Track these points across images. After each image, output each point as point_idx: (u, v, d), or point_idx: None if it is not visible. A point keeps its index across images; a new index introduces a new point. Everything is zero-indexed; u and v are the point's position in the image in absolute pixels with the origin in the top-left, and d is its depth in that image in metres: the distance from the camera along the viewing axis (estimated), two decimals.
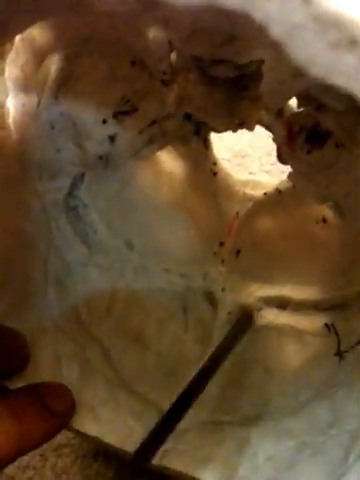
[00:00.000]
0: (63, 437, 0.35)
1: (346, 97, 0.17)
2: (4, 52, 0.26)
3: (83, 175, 0.33)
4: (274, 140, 0.28)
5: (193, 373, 0.35)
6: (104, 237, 0.36)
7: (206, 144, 0.35)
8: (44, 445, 0.34)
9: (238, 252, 0.37)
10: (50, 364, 0.32)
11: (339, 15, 0.11)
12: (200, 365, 0.35)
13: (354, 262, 0.34)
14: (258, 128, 0.29)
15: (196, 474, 0.30)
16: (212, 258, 0.37)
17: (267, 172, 0.38)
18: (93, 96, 0.30)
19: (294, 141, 0.27)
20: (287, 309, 0.36)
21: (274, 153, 0.29)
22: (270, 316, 0.36)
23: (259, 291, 0.36)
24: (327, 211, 0.34)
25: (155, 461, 0.30)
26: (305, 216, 0.35)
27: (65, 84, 0.29)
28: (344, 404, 0.29)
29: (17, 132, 0.30)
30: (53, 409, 0.27)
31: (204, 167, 0.35)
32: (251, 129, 0.28)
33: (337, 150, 0.26)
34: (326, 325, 0.33)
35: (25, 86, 0.28)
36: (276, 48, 0.19)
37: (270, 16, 0.11)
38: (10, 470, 0.34)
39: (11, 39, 0.25)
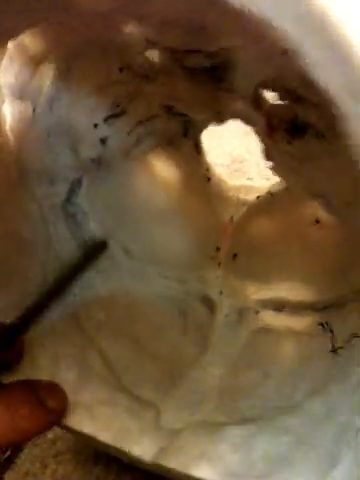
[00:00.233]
0: (63, 444, 0.35)
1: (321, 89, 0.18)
2: None
3: (80, 181, 0.34)
4: (255, 132, 0.29)
5: (191, 375, 0.35)
6: None
7: (198, 150, 0.36)
8: (44, 452, 0.34)
9: (234, 256, 0.37)
10: (48, 364, 0.32)
11: None
12: (197, 367, 0.36)
13: (349, 262, 0.34)
14: None
15: (190, 471, 0.29)
16: (209, 262, 0.38)
17: (265, 178, 0.39)
18: (86, 103, 0.31)
19: (274, 132, 0.27)
20: (284, 311, 0.36)
21: None
22: (267, 318, 0.36)
23: (256, 294, 0.37)
24: (321, 212, 0.35)
25: (149, 459, 0.30)
26: (299, 218, 0.35)
27: (60, 91, 0.31)
28: (338, 397, 0.29)
29: (14, 139, 0.31)
30: (46, 404, 0.27)
31: (198, 173, 0.36)
32: (223, 120, 0.29)
33: (318, 141, 0.27)
34: (321, 324, 0.33)
35: (20, 94, 0.30)
36: (244, 34, 0.20)
37: None
38: (10, 477, 0.34)
39: (3, 44, 0.26)
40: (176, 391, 0.34)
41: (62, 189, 0.34)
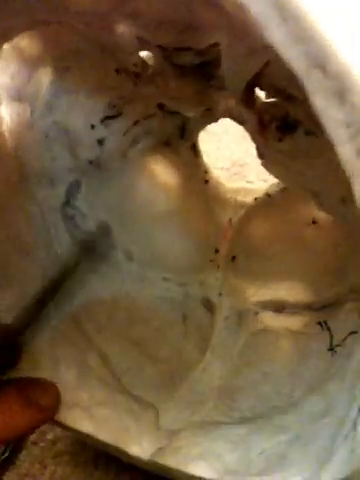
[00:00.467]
0: (62, 445, 0.35)
1: None
2: None
3: (79, 184, 0.35)
4: (247, 130, 0.29)
5: (191, 377, 0.35)
6: (103, 247, 0.37)
7: (196, 152, 0.36)
8: (43, 453, 0.34)
9: (233, 258, 0.37)
10: (48, 365, 0.33)
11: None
12: (197, 368, 0.36)
13: (346, 261, 0.34)
14: None
15: (189, 470, 0.29)
16: (208, 265, 0.38)
17: (265, 181, 0.39)
18: (83, 104, 0.32)
19: (265, 130, 0.28)
20: (283, 312, 0.36)
21: None
22: (267, 320, 0.36)
23: (255, 295, 0.37)
24: (317, 212, 0.35)
25: (148, 458, 0.30)
26: (296, 218, 0.36)
27: (58, 93, 0.31)
28: (336, 394, 0.29)
29: (13, 140, 0.32)
30: (37, 402, 0.27)
31: (196, 175, 0.37)
32: (215, 118, 0.30)
33: (308, 137, 0.28)
34: (319, 323, 0.33)
35: (18, 95, 0.30)
36: (230, 31, 0.21)
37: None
38: (9, 478, 0.34)
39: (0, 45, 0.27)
40: (176, 392, 0.34)
41: (62, 191, 0.34)
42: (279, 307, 0.36)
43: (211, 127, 0.34)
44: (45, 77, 0.31)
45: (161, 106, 0.31)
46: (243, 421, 0.32)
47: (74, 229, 0.36)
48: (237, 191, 0.38)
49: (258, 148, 0.30)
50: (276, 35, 0.13)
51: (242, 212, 0.37)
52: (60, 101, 0.32)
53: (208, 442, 0.31)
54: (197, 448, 0.31)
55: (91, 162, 0.32)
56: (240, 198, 0.37)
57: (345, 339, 0.31)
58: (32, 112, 0.31)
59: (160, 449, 0.31)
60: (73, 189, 0.35)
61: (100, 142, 0.32)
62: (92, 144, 0.32)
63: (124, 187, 0.37)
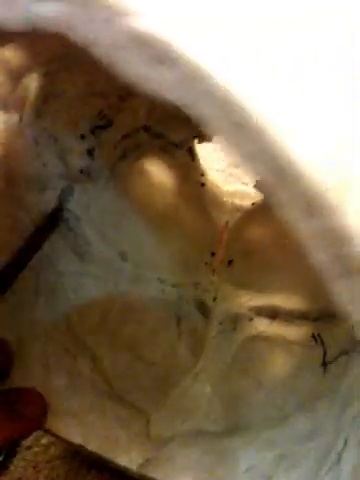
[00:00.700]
0: (56, 449, 0.36)
1: None
2: None
3: (72, 188, 0.34)
4: None
5: (184, 382, 0.35)
6: (97, 248, 0.37)
7: (192, 155, 0.35)
8: (38, 457, 0.35)
9: (230, 262, 0.37)
10: (39, 372, 0.33)
11: (149, 34, 0.11)
12: (190, 374, 0.36)
13: None
14: None
15: None
16: (204, 268, 0.37)
17: None
18: (72, 112, 0.30)
19: None
20: (277, 319, 0.35)
21: None
22: (261, 326, 0.36)
23: (250, 301, 0.36)
24: None
25: (135, 469, 0.31)
26: None
27: (46, 101, 0.30)
28: (324, 417, 0.29)
29: (2, 148, 0.31)
30: (22, 413, 0.28)
31: (193, 178, 0.36)
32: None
33: None
34: (314, 336, 0.33)
35: (4, 104, 0.29)
36: None
37: (88, 38, 0.12)
38: None
39: None
40: (168, 398, 0.35)
41: (53, 196, 0.33)
42: (273, 314, 0.36)
43: None
44: (32, 83, 0.30)
45: (147, 128, 0.29)
46: (232, 432, 0.32)
47: (67, 232, 0.36)
48: (234, 194, 0.37)
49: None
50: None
51: (238, 215, 0.36)
52: (48, 107, 0.30)
53: (196, 455, 0.31)
54: (185, 460, 0.31)
55: (82, 171, 0.31)
56: (237, 201, 0.36)
57: (338, 357, 0.31)
58: (20, 119, 0.30)
59: (148, 460, 0.31)
60: (66, 192, 0.34)
61: (90, 152, 0.31)
62: (82, 154, 0.31)
63: (118, 189, 0.36)
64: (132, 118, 0.29)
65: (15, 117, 0.30)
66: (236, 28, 0.13)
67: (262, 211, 0.36)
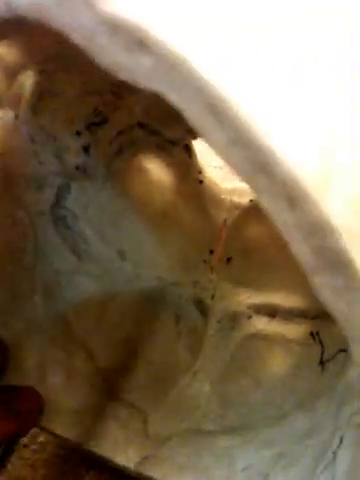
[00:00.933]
0: (54, 448, 0.36)
1: None
2: None
3: (69, 186, 0.34)
4: None
5: (182, 381, 0.35)
6: (95, 246, 0.36)
7: (190, 153, 0.35)
8: (35, 456, 0.35)
9: (228, 260, 0.36)
10: (35, 369, 0.33)
11: (125, 19, 0.11)
12: (189, 373, 0.35)
13: None
14: None
15: None
16: (202, 266, 0.37)
17: None
18: (68, 109, 0.30)
19: None
20: (276, 317, 0.35)
21: None
22: (260, 324, 0.35)
23: (249, 299, 0.36)
24: None
25: (133, 468, 0.31)
26: None
27: (42, 98, 0.30)
28: (322, 415, 0.28)
29: None
30: (18, 410, 0.27)
31: (190, 176, 0.36)
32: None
33: None
34: (312, 334, 0.33)
35: (0, 101, 0.29)
36: None
37: (66, 24, 0.12)
38: None
39: None
40: (166, 398, 0.34)
41: (50, 195, 0.33)
42: (273, 312, 0.35)
43: None
44: (28, 80, 0.30)
45: (142, 125, 0.29)
46: (231, 431, 0.32)
47: (65, 230, 0.35)
48: (232, 191, 0.36)
49: None
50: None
51: (237, 213, 0.36)
52: (44, 104, 0.30)
53: (193, 453, 0.31)
54: (182, 459, 0.31)
55: (77, 168, 0.31)
56: (235, 199, 0.36)
57: (335, 355, 0.30)
58: (16, 116, 0.30)
59: (145, 459, 0.31)
60: (63, 190, 0.34)
61: (86, 149, 0.30)
62: (77, 150, 0.30)
63: (116, 187, 0.36)
64: (127, 115, 0.29)
65: (11, 115, 0.30)
66: (234, 29, 0.13)
67: (260, 209, 0.35)
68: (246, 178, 0.12)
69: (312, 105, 0.14)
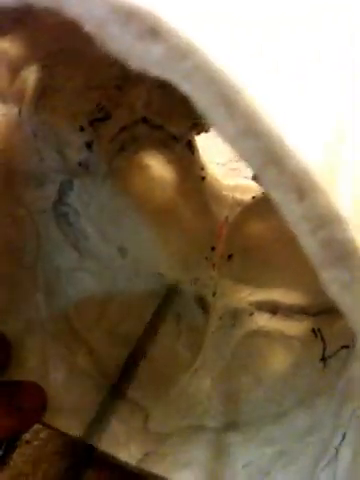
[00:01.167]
0: (56, 444, 0.36)
1: None
2: None
3: (71, 182, 0.34)
4: None
5: (183, 379, 0.35)
6: (96, 243, 0.36)
7: (192, 149, 0.35)
8: (37, 452, 0.35)
9: (230, 256, 0.36)
10: (36, 366, 0.33)
11: (137, 7, 0.11)
12: (190, 370, 0.35)
13: None
14: None
15: (175, 478, 0.30)
16: (204, 263, 0.37)
17: None
18: (71, 104, 0.30)
19: None
20: (277, 314, 0.35)
21: None
22: (261, 321, 0.35)
23: (250, 296, 0.36)
24: None
25: (134, 464, 0.30)
26: None
27: (45, 93, 0.30)
28: (323, 413, 0.28)
29: (0, 141, 0.31)
30: (21, 406, 0.27)
31: (192, 172, 0.36)
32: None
33: None
34: (313, 330, 0.33)
35: (2, 97, 0.29)
36: None
37: (77, 12, 0.12)
38: (2, 477, 0.34)
39: None
40: (167, 395, 0.34)
41: (51, 192, 0.33)
42: (274, 309, 0.35)
43: None
44: (31, 75, 0.30)
45: (146, 120, 0.29)
46: (232, 428, 0.32)
47: (67, 227, 0.35)
48: (234, 188, 0.36)
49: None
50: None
51: (239, 210, 0.36)
52: (47, 100, 0.30)
53: (195, 450, 0.31)
54: (183, 456, 0.31)
55: (80, 164, 0.31)
56: (237, 195, 0.36)
57: (337, 352, 0.30)
58: (19, 111, 0.30)
59: (147, 455, 0.31)
60: (65, 186, 0.34)
61: (88, 145, 0.30)
62: (80, 147, 0.30)
63: (118, 183, 0.36)
64: (130, 111, 0.29)
65: (14, 110, 0.30)
66: (239, 27, 0.13)
67: (262, 206, 0.35)
68: (256, 169, 0.12)
69: (318, 100, 0.14)
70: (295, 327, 0.34)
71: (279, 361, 0.34)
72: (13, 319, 0.33)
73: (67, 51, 0.28)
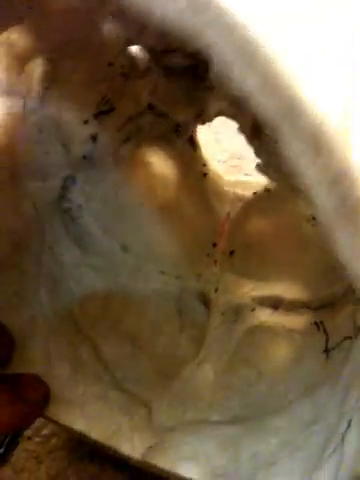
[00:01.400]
0: (58, 440, 0.35)
1: None
2: None
3: (75, 178, 0.34)
4: (242, 132, 0.28)
5: (185, 373, 0.35)
6: (99, 239, 0.37)
7: (194, 146, 0.35)
8: (39, 448, 0.35)
9: (231, 252, 0.37)
10: (40, 361, 0.33)
11: None
12: (192, 365, 0.35)
13: None
14: None
15: (178, 471, 0.30)
16: (205, 259, 0.37)
17: None
18: (76, 97, 0.31)
19: (260, 133, 0.27)
20: (279, 309, 0.35)
21: None
22: (263, 316, 0.36)
23: (252, 291, 0.36)
24: None
25: (139, 457, 0.30)
26: (295, 214, 0.35)
27: (50, 87, 0.30)
28: (327, 402, 0.29)
29: (5, 135, 0.31)
30: (25, 398, 0.27)
31: (194, 168, 0.36)
32: (210, 120, 0.29)
33: None
34: (316, 323, 0.33)
35: (9, 90, 0.30)
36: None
37: None
38: (4, 473, 0.34)
39: None
40: (170, 389, 0.34)
41: (56, 185, 0.34)
42: (276, 304, 0.35)
43: None
44: (37, 69, 0.30)
45: (151, 107, 0.30)
46: (235, 421, 0.32)
47: (70, 222, 0.36)
48: (235, 184, 0.37)
49: (254, 149, 0.29)
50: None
51: (240, 206, 0.36)
52: (52, 93, 0.31)
53: (199, 443, 0.31)
54: (187, 448, 0.31)
55: (85, 157, 0.32)
56: (239, 191, 0.37)
57: (340, 343, 0.30)
58: (25, 105, 0.31)
59: (151, 448, 0.31)
60: (69, 182, 0.34)
61: (93, 138, 0.31)
62: (85, 139, 0.31)
63: (120, 179, 0.36)
64: (136, 101, 0.30)
65: (19, 103, 0.30)
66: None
67: (264, 202, 0.36)
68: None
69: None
70: (297, 321, 0.34)
71: (281, 355, 0.34)
72: (17, 314, 0.33)
73: (73, 43, 0.29)
